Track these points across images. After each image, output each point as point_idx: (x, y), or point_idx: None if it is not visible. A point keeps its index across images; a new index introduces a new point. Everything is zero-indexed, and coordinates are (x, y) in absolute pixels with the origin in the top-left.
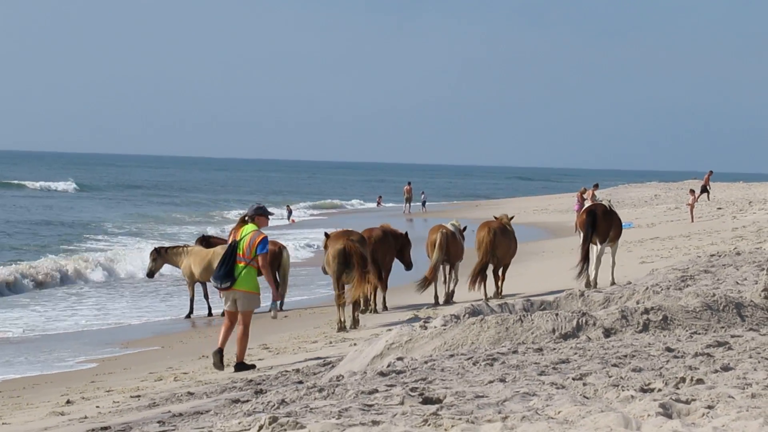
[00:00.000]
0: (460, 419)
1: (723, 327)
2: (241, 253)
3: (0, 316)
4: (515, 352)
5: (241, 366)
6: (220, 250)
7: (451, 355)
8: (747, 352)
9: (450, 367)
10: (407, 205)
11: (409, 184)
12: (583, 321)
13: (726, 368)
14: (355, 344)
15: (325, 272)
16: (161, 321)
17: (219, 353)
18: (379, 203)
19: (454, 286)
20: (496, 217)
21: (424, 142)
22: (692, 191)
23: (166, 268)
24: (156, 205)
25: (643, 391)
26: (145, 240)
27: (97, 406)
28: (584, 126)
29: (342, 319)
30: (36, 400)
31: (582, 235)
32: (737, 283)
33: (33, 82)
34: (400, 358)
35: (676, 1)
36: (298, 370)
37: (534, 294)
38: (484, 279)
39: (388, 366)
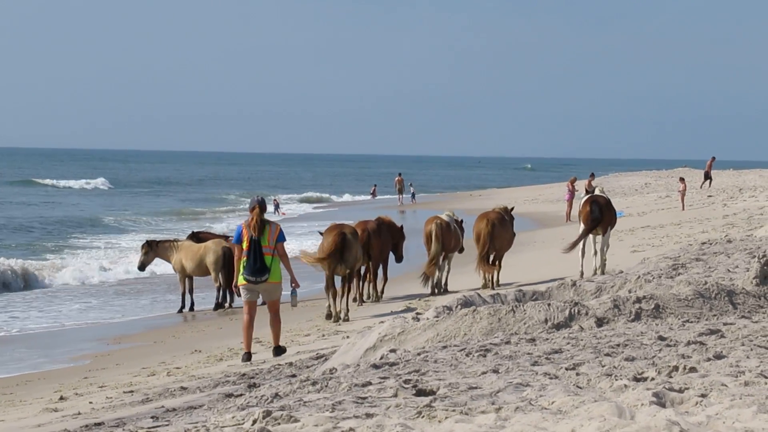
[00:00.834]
0: (453, 410)
1: (715, 315)
2: (266, 245)
3: None
4: (508, 342)
5: (279, 350)
6: (211, 245)
7: (444, 347)
8: (739, 340)
9: (443, 359)
10: (400, 196)
11: (400, 175)
12: (576, 311)
13: (719, 356)
14: (347, 337)
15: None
16: (152, 316)
17: (248, 357)
18: (374, 194)
19: (446, 276)
20: (499, 208)
21: (414, 134)
22: (682, 179)
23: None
24: (197, 201)
25: (636, 380)
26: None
27: (91, 402)
28: (574, 116)
29: (336, 310)
30: (29, 397)
31: (584, 227)
32: (729, 270)
33: (33, 77)
34: (393, 350)
35: None
36: (291, 364)
37: (526, 284)
38: (486, 267)
39: (381, 358)
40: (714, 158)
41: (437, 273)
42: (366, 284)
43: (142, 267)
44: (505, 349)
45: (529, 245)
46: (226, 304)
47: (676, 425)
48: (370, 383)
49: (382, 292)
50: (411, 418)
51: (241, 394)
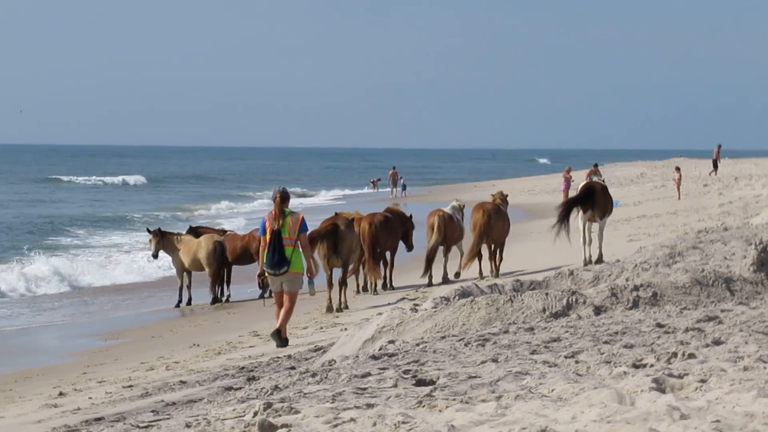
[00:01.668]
0: (454, 400)
1: (713, 302)
2: (287, 236)
3: None
4: (506, 332)
5: (279, 334)
6: (203, 241)
7: (443, 337)
8: (737, 326)
9: (442, 349)
10: (393, 188)
11: (394, 168)
12: (573, 299)
13: (717, 342)
14: (345, 329)
15: None
16: (149, 311)
17: (278, 333)
18: (374, 186)
19: (460, 263)
20: (493, 195)
21: (404, 126)
22: (678, 169)
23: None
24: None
25: (636, 366)
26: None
27: (90, 397)
28: (568, 106)
29: (337, 301)
30: (28, 393)
31: (582, 213)
32: (726, 258)
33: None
34: (391, 341)
35: None
36: (290, 356)
37: (523, 274)
38: (480, 258)
39: (380, 349)
40: (720, 146)
41: (446, 264)
42: (366, 274)
43: (155, 255)
44: (503, 338)
45: (526, 236)
46: (223, 298)
47: (676, 410)
48: (369, 374)
49: (391, 281)
50: (412, 408)
51: (240, 387)
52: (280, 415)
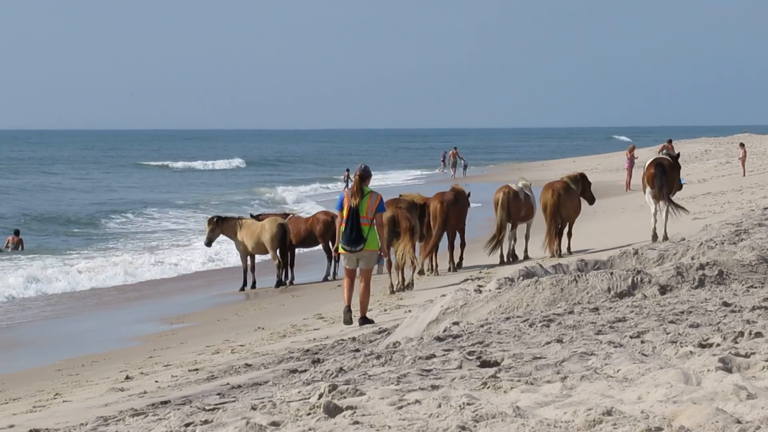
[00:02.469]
0: (519, 381)
1: None
2: (364, 215)
3: None
4: (571, 312)
5: (364, 320)
6: (267, 224)
7: (507, 318)
8: None
9: (506, 330)
10: (453, 169)
11: (455, 148)
12: (638, 279)
13: None
14: (409, 311)
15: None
16: (214, 295)
17: (349, 311)
18: (444, 167)
19: (526, 244)
20: (568, 176)
21: (443, 107)
22: (742, 145)
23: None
24: None
25: (702, 346)
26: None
27: (156, 381)
28: (625, 82)
29: (395, 283)
30: (95, 377)
31: (650, 189)
32: None
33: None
34: (455, 323)
35: None
36: (354, 339)
37: (588, 253)
38: (559, 238)
39: (444, 331)
40: None
41: (509, 243)
42: (428, 256)
43: (208, 243)
44: (568, 318)
45: (589, 215)
46: (287, 281)
47: (743, 390)
48: (434, 356)
49: (461, 258)
50: (476, 389)
51: (305, 370)
52: (345, 397)
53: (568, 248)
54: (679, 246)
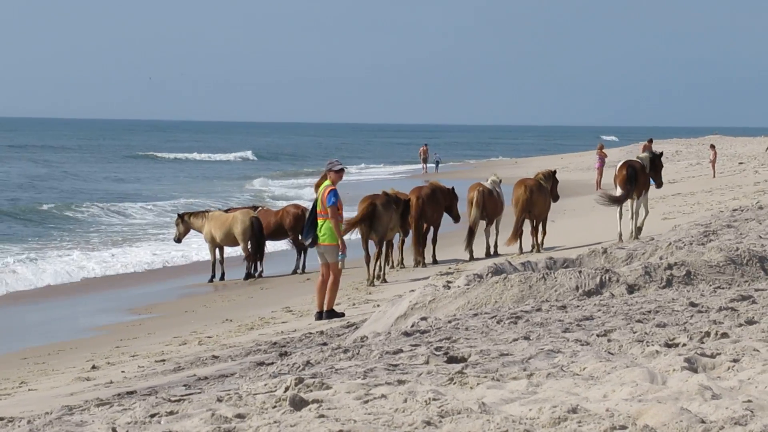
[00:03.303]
0: (485, 377)
1: (747, 281)
2: (319, 209)
3: None
4: (539, 309)
5: (331, 313)
6: (239, 215)
7: (475, 314)
8: None
9: (474, 326)
10: (424, 165)
11: (425, 145)
12: (607, 278)
13: (750, 322)
14: (378, 305)
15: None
16: (183, 286)
17: (320, 316)
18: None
19: (496, 240)
20: (542, 173)
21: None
22: (713, 147)
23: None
24: None
25: (668, 346)
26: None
27: (123, 371)
28: (598, 81)
29: (369, 274)
30: (61, 366)
31: (620, 190)
32: (760, 237)
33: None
34: (423, 318)
35: None
36: (322, 332)
37: (557, 251)
38: (521, 234)
39: (412, 326)
40: None
41: (486, 238)
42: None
43: (178, 239)
44: (536, 316)
45: (559, 213)
46: (256, 274)
47: (708, 390)
48: (401, 351)
49: (434, 256)
50: (443, 385)
51: (272, 363)
52: (311, 391)
53: (541, 244)
54: (647, 246)
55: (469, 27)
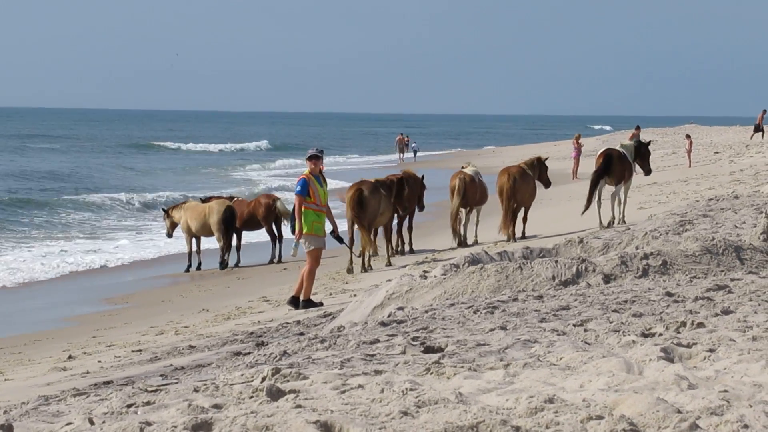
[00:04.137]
0: (462, 367)
1: (722, 270)
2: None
3: None
4: (515, 299)
5: (308, 303)
6: (215, 205)
7: (452, 304)
8: (747, 295)
9: (451, 316)
10: (401, 155)
11: (402, 134)
12: (583, 267)
13: (726, 312)
14: (355, 295)
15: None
16: (159, 276)
17: (295, 302)
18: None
19: (476, 230)
20: (525, 162)
21: (401, 92)
22: (688, 136)
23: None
24: None
25: (644, 335)
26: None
27: (99, 361)
28: (574, 71)
29: (360, 263)
30: (38, 356)
31: (593, 175)
32: (736, 226)
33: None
34: (400, 308)
35: None
36: (298, 322)
37: (534, 240)
38: (514, 221)
39: (389, 316)
40: (765, 111)
41: (466, 227)
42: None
43: (168, 234)
44: (512, 306)
45: (536, 202)
46: (233, 264)
47: (684, 380)
48: (378, 341)
49: (411, 244)
50: (419, 375)
51: (249, 353)
52: (288, 381)
53: (523, 233)
54: (623, 235)
55: (449, 13)
